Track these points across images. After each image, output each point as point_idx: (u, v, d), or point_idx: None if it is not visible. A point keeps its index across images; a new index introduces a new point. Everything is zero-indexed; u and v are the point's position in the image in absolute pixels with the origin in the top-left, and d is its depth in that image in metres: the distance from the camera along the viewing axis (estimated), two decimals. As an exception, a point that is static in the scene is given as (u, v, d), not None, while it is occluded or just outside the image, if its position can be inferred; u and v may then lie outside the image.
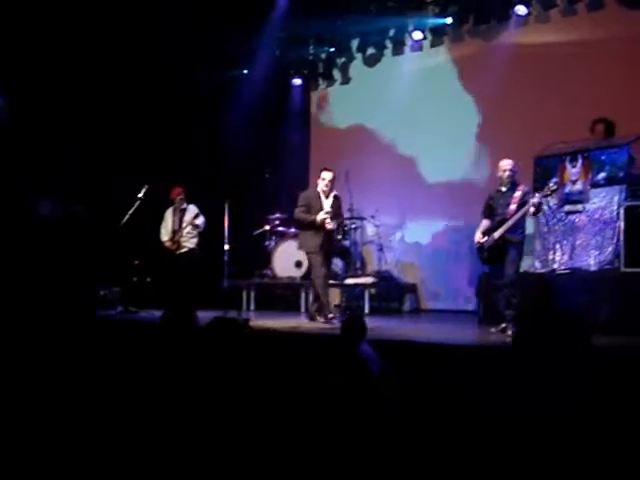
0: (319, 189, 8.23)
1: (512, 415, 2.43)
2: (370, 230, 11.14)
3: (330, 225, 8.08)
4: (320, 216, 7.97)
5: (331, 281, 10.33)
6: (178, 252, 9.70)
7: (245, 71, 12.28)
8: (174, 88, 10.82)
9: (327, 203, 8.18)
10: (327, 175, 8.24)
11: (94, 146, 10.44)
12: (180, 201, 9.77)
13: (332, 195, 8.25)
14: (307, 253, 8.38)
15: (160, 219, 9.94)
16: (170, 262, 9.70)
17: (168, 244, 9.77)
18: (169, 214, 9.91)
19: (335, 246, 8.59)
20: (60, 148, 10.10)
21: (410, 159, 11.30)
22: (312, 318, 8.20)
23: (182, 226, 9.64)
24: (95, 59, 10.36)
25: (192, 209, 9.70)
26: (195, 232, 9.68)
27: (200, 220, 9.60)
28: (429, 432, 3.30)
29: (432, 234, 10.97)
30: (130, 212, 9.23)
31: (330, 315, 7.89)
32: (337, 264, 10.89)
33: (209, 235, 9.63)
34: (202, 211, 9.68)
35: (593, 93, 9.14)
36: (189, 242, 9.72)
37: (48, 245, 9.77)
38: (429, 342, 6.31)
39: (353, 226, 10.85)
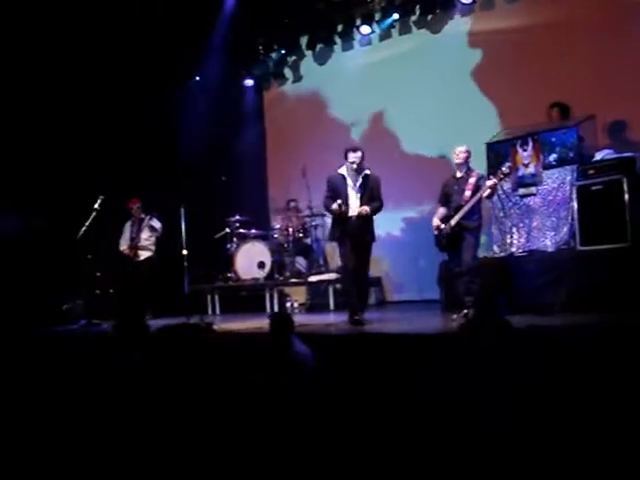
0: (344, 172, 7.34)
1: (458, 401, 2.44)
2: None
3: (354, 211, 7.20)
4: (334, 206, 7.18)
5: (294, 279, 10.37)
6: (136, 260, 9.66)
7: (197, 78, 12.22)
8: (127, 98, 10.70)
9: (355, 186, 7.28)
10: (353, 156, 7.25)
11: (51, 158, 10.31)
12: (137, 211, 9.77)
13: (362, 175, 7.29)
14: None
15: (118, 229, 9.88)
16: (130, 272, 9.65)
17: (127, 252, 9.79)
18: (127, 227, 9.98)
19: (366, 234, 7.32)
20: (16, 161, 9.97)
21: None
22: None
23: (139, 232, 9.62)
24: (49, 70, 10.22)
25: (149, 217, 9.70)
26: (153, 238, 9.64)
27: (156, 222, 9.59)
28: (375, 423, 3.29)
29: (393, 226, 11.00)
30: (87, 223, 9.14)
31: (356, 317, 7.21)
32: (300, 262, 10.89)
33: (168, 241, 9.56)
34: (161, 219, 9.66)
35: (540, 78, 9.23)
36: (147, 249, 9.70)
37: (8, 260, 9.66)
38: (389, 334, 6.35)
39: (314, 223, 10.84)
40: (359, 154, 7.23)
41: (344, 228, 7.25)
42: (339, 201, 7.16)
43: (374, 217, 7.39)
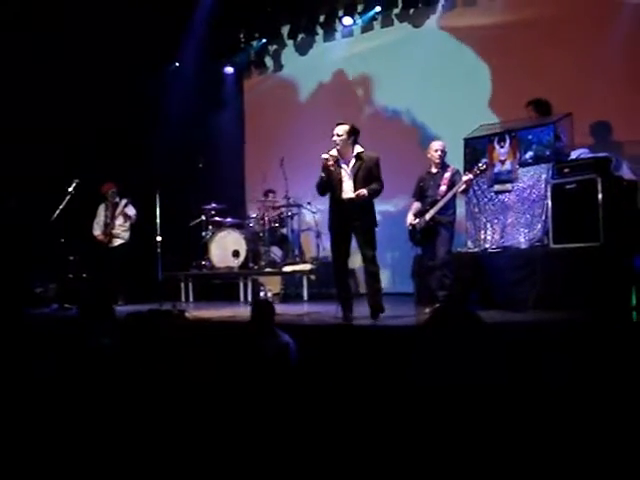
0: (335, 152, 6.59)
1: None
2: (308, 217, 11.13)
3: (347, 194, 6.56)
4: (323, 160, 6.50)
5: (269, 269, 10.36)
6: (110, 245, 9.60)
7: (177, 64, 12.13)
8: (105, 81, 10.60)
9: (347, 167, 6.64)
10: (338, 129, 6.63)
11: (22, 140, 10.18)
12: (112, 195, 9.69)
13: (353, 155, 6.64)
14: None
15: (92, 213, 9.81)
16: (103, 256, 9.59)
17: (100, 237, 9.73)
18: (101, 210, 9.89)
19: (362, 219, 6.58)
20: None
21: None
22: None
23: (114, 218, 9.54)
24: (27, 51, 10.09)
25: (124, 202, 9.63)
26: (127, 225, 9.59)
27: (131, 211, 9.54)
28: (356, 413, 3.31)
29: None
30: (61, 207, 9.07)
31: (348, 314, 6.73)
32: (275, 252, 10.88)
33: (143, 227, 9.51)
34: (135, 203, 9.60)
35: (521, 74, 9.28)
36: (121, 236, 9.65)
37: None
38: (361, 326, 6.37)
39: (289, 213, 10.83)
40: (341, 129, 6.57)
41: (337, 214, 6.67)
42: (324, 155, 6.51)
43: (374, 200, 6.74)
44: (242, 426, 3.11)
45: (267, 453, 2.91)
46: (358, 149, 6.62)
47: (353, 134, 6.59)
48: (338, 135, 6.55)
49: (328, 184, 6.65)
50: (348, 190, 6.56)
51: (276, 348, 4.96)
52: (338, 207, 6.62)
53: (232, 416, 3.28)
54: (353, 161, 6.60)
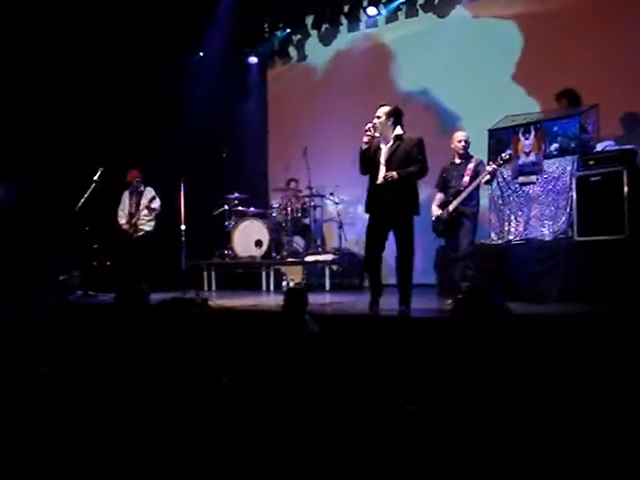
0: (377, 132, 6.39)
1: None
2: (331, 207, 11.15)
3: (382, 178, 6.33)
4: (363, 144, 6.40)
5: (291, 259, 10.40)
6: (135, 235, 9.63)
7: (201, 53, 12.16)
8: (129, 71, 10.66)
9: (385, 151, 6.46)
10: (378, 111, 6.46)
11: (49, 129, 10.27)
12: (137, 183, 9.68)
13: (392, 137, 6.45)
14: None
15: (117, 202, 9.85)
16: (127, 245, 9.62)
17: (126, 227, 9.68)
18: (126, 197, 9.82)
19: (395, 205, 6.31)
20: (17, 131, 9.92)
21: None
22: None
23: (139, 209, 9.56)
24: (49, 42, 10.15)
25: (149, 192, 9.62)
26: (152, 215, 9.61)
27: (156, 203, 9.51)
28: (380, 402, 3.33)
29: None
30: (86, 195, 9.14)
31: (373, 306, 6.60)
32: (298, 242, 10.92)
33: (167, 216, 9.55)
34: (160, 192, 9.57)
35: (547, 64, 9.23)
36: (146, 225, 9.64)
37: (7, 229, 9.65)
38: (386, 316, 6.37)
39: (312, 204, 10.86)
40: (381, 111, 6.38)
41: (373, 198, 6.47)
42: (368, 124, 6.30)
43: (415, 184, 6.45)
44: (270, 414, 3.14)
45: (292, 442, 2.94)
46: (398, 131, 6.42)
47: (393, 115, 6.40)
48: (378, 117, 6.37)
49: (368, 162, 6.45)
50: (382, 173, 6.36)
51: (305, 336, 4.97)
52: (374, 190, 6.43)
53: (260, 404, 3.31)
54: (391, 142, 6.41)
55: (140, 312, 4.17)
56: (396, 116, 6.43)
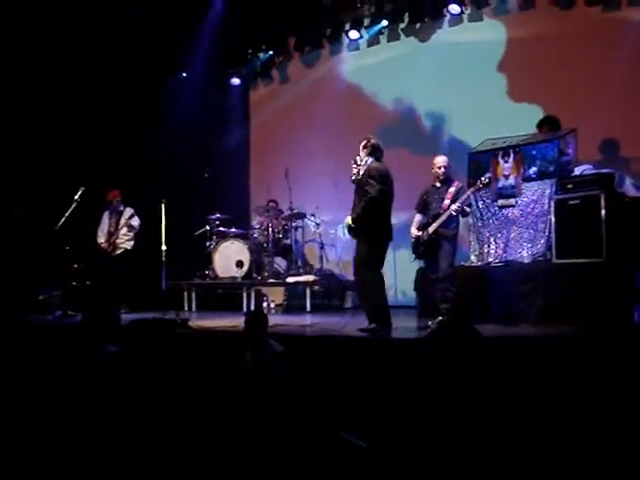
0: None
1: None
2: (312, 228, 11.17)
3: None
4: None
5: (272, 280, 10.40)
6: (113, 254, 9.63)
7: (184, 74, 12.20)
8: (111, 91, 10.66)
9: None
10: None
11: (29, 147, 10.25)
12: (117, 203, 9.76)
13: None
14: None
15: (97, 222, 9.85)
16: (106, 264, 9.61)
17: (104, 245, 9.73)
18: (106, 216, 9.90)
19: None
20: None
21: (348, 157, 11.37)
22: None
23: (118, 228, 9.58)
24: (32, 61, 10.14)
25: (128, 211, 9.70)
26: (131, 234, 9.62)
27: (136, 221, 9.55)
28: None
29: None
30: (66, 214, 9.11)
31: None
32: (279, 263, 10.91)
33: (148, 236, 9.53)
34: (140, 212, 9.60)
35: (528, 89, 9.41)
36: (125, 244, 9.69)
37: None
38: (362, 338, 6.38)
39: (294, 225, 10.87)
40: (361, 144, 6.92)
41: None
42: None
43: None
44: (229, 435, 3.14)
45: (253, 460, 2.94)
46: (361, 159, 6.86)
47: (366, 147, 6.86)
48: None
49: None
50: None
51: (270, 358, 4.98)
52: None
53: (220, 424, 3.31)
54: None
55: (108, 333, 4.14)
56: (367, 148, 6.86)
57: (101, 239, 9.81)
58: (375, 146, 6.86)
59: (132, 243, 9.74)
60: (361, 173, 6.74)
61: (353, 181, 6.82)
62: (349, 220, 6.73)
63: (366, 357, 4.83)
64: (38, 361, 4.88)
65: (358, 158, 6.84)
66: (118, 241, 9.65)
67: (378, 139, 6.97)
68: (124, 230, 9.57)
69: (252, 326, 5.34)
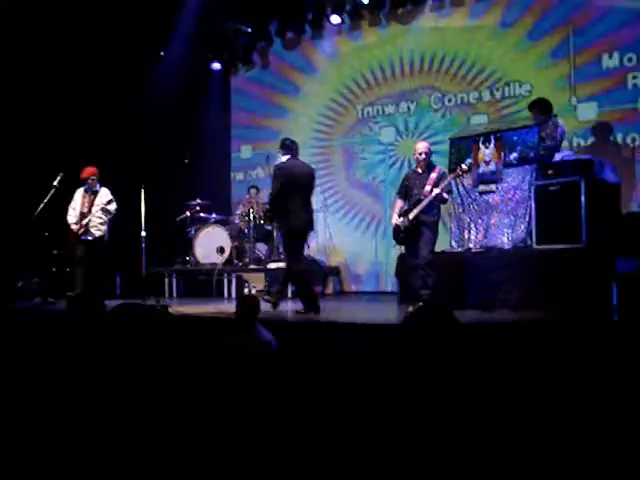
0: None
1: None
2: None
3: None
4: None
5: (253, 266, 10.38)
6: (83, 238, 8.95)
7: (162, 53, 12.03)
8: (93, 72, 10.52)
9: None
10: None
11: (7, 132, 10.13)
12: (92, 182, 9.02)
13: None
14: None
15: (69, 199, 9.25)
16: (77, 248, 9.13)
17: (74, 227, 8.95)
18: (79, 195, 9.11)
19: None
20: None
21: (330, 144, 11.39)
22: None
23: (92, 210, 8.94)
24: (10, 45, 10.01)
25: (105, 193, 9.06)
26: (105, 218, 9.02)
27: (112, 206, 9.01)
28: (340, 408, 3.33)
29: (354, 217, 11.07)
30: (45, 201, 8.97)
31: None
32: (260, 249, 10.89)
33: (127, 222, 9.37)
34: (119, 198, 9.19)
35: (509, 75, 9.45)
36: (98, 229, 8.99)
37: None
38: (346, 322, 6.39)
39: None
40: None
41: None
42: None
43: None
44: (220, 422, 3.12)
45: (248, 451, 2.93)
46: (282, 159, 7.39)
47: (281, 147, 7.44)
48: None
49: None
50: None
51: (257, 346, 4.96)
52: None
53: (211, 413, 3.29)
54: None
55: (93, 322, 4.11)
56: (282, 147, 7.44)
57: (72, 219, 9.02)
58: (285, 144, 7.42)
59: (105, 229, 9.06)
60: None
61: None
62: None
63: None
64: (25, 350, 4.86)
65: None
66: (90, 224, 8.94)
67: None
68: (99, 213, 8.94)
69: (244, 309, 5.31)
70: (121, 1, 10.38)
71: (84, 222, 8.95)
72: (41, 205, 8.93)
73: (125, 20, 10.54)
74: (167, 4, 10.95)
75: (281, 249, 10.85)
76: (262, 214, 10.68)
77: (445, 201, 7.23)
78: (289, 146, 7.39)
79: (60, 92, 10.26)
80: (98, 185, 9.09)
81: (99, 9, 10.29)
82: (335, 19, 11.09)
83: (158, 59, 11.86)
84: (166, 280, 10.83)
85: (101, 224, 9.03)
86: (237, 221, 10.92)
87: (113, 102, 10.76)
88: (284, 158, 7.35)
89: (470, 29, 9.92)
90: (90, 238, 8.97)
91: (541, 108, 7.84)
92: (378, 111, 10.86)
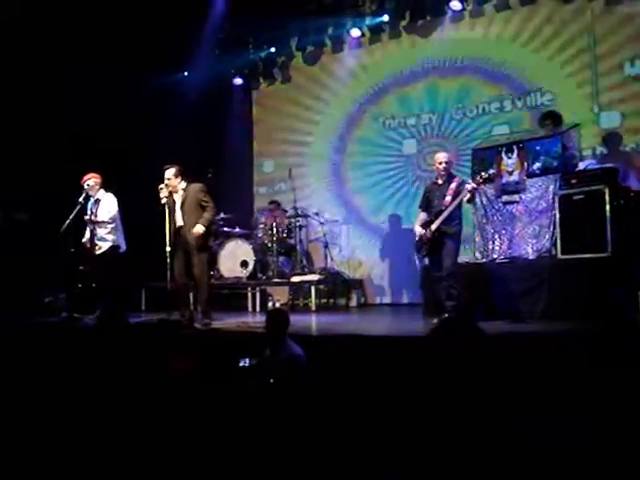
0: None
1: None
2: (316, 227, 11.18)
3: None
4: None
5: (277, 279, 10.40)
6: (95, 253, 8.80)
7: (185, 73, 12.20)
8: (116, 90, 10.63)
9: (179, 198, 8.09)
10: (166, 174, 8.04)
11: (34, 151, 10.24)
12: (88, 188, 8.78)
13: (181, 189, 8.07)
14: None
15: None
16: (86, 266, 9.02)
17: (88, 246, 8.81)
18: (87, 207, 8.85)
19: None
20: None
21: (353, 155, 11.41)
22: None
23: (96, 219, 8.74)
24: (37, 61, 10.14)
25: (107, 200, 8.87)
26: (109, 227, 8.83)
27: (111, 213, 8.78)
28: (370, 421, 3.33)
29: (377, 229, 11.06)
30: (71, 217, 9.03)
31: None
32: (283, 262, 10.91)
33: (151, 236, 9.39)
34: (141, 211, 9.03)
35: (531, 84, 9.43)
36: (105, 241, 8.80)
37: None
38: (372, 335, 6.38)
39: (297, 224, 10.87)
40: (170, 173, 7.99)
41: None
42: None
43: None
44: (249, 435, 3.13)
45: (275, 462, 2.93)
46: (183, 185, 7.99)
47: (179, 174, 7.99)
48: (168, 179, 7.96)
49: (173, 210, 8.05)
50: (179, 216, 8.07)
51: (287, 359, 4.96)
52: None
53: (237, 426, 3.30)
54: (181, 192, 7.97)
55: (119, 338, 4.14)
56: (181, 174, 8.01)
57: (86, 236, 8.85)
58: (183, 172, 8.06)
59: (113, 238, 8.82)
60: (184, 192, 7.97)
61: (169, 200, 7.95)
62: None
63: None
64: (48, 363, 4.90)
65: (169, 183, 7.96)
66: (97, 236, 8.71)
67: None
68: (103, 223, 8.70)
69: (273, 323, 5.31)
70: (146, 14, 10.50)
71: (88, 236, 8.78)
72: (67, 221, 8.99)
73: (147, 37, 10.64)
74: (189, 20, 11.04)
75: (304, 262, 10.91)
76: (285, 227, 10.72)
77: (472, 199, 7.16)
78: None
79: (88, 111, 10.35)
80: (102, 192, 8.96)
81: (124, 23, 10.41)
82: (355, 32, 11.13)
83: (181, 78, 11.98)
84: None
85: (108, 234, 8.82)
86: (260, 235, 10.96)
87: (136, 119, 10.86)
88: (184, 184, 7.95)
89: (490, 40, 9.92)
90: (99, 252, 8.81)
91: (554, 120, 7.86)
92: (400, 123, 10.87)
